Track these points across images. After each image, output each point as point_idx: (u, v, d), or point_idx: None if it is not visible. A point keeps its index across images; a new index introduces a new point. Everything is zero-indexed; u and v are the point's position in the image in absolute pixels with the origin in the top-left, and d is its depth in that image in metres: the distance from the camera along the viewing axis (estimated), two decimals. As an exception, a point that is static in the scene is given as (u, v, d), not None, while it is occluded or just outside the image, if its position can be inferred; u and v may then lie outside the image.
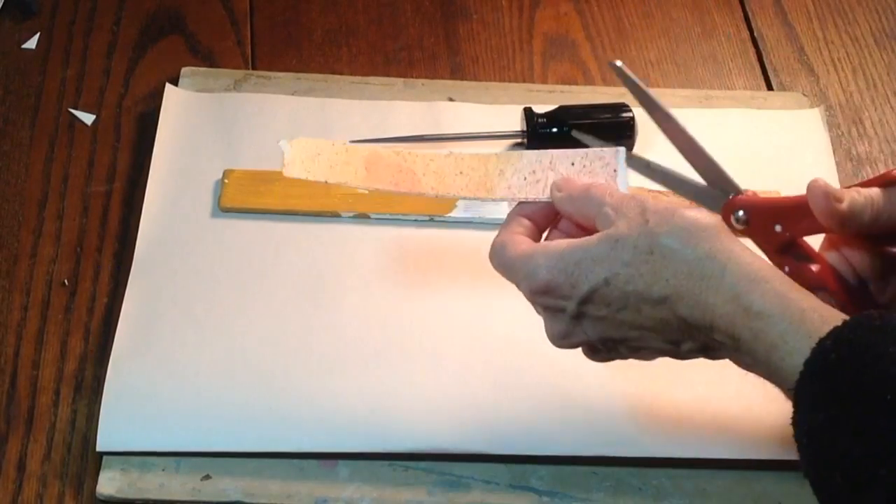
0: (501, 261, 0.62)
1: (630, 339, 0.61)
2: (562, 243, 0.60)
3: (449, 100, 0.90)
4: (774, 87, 0.95)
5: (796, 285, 0.55)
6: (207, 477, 0.71)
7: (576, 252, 0.59)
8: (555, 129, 0.85)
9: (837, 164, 0.88)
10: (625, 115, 0.85)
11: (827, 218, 0.58)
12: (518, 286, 0.62)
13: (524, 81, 0.94)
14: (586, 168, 0.64)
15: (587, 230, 0.61)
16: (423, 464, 0.72)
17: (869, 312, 0.52)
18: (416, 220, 0.82)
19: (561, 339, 0.62)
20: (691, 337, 0.59)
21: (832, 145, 0.89)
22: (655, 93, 0.65)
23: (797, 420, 0.52)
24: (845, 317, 0.53)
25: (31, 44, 0.93)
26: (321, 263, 0.80)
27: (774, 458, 0.72)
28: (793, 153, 0.88)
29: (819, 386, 0.51)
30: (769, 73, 0.95)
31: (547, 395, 0.74)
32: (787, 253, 0.62)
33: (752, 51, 0.97)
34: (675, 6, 1.00)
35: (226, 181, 0.83)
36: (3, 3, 0.95)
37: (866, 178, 0.61)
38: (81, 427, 0.74)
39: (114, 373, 0.73)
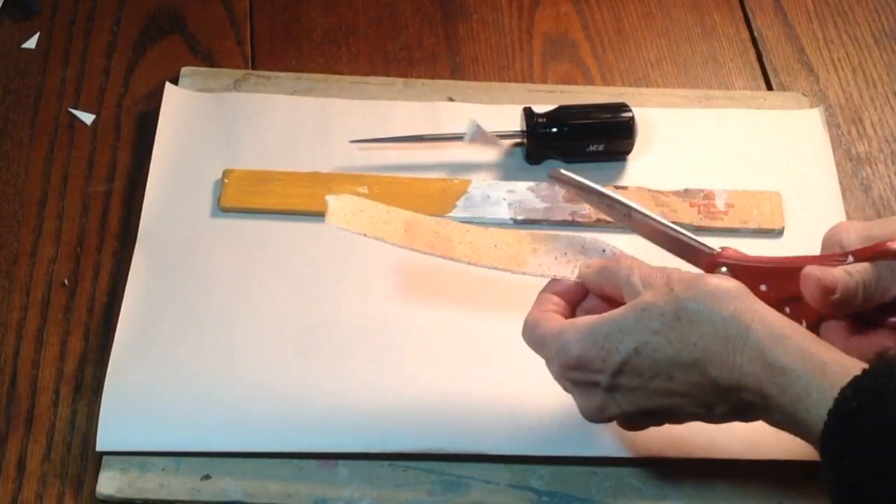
0: (532, 337, 0.65)
1: (664, 407, 0.62)
2: (590, 318, 0.62)
3: (449, 100, 0.90)
4: (774, 87, 0.95)
5: (818, 339, 0.57)
6: (207, 477, 0.71)
7: (605, 325, 0.61)
8: (554, 129, 0.85)
9: (837, 163, 0.88)
10: (624, 115, 0.85)
11: (821, 307, 0.61)
12: (549, 363, 0.64)
13: (524, 81, 0.93)
14: (616, 256, 0.66)
15: (614, 303, 0.63)
16: (423, 464, 0.72)
17: (888, 358, 0.54)
18: (416, 220, 0.82)
19: (596, 414, 0.64)
20: (723, 399, 0.60)
21: (832, 145, 0.89)
22: (604, 188, 0.68)
23: (826, 470, 0.54)
24: (865, 365, 0.54)
25: (31, 44, 0.93)
26: (321, 263, 0.80)
27: (774, 458, 0.72)
28: (793, 153, 0.88)
29: (843, 434, 0.53)
30: (769, 73, 0.95)
31: (547, 395, 0.74)
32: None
33: (752, 51, 0.97)
34: (675, 6, 1.00)
35: (226, 181, 0.83)
36: (3, 3, 0.95)
37: (858, 248, 0.63)
38: (81, 427, 0.74)
39: (114, 373, 0.74)
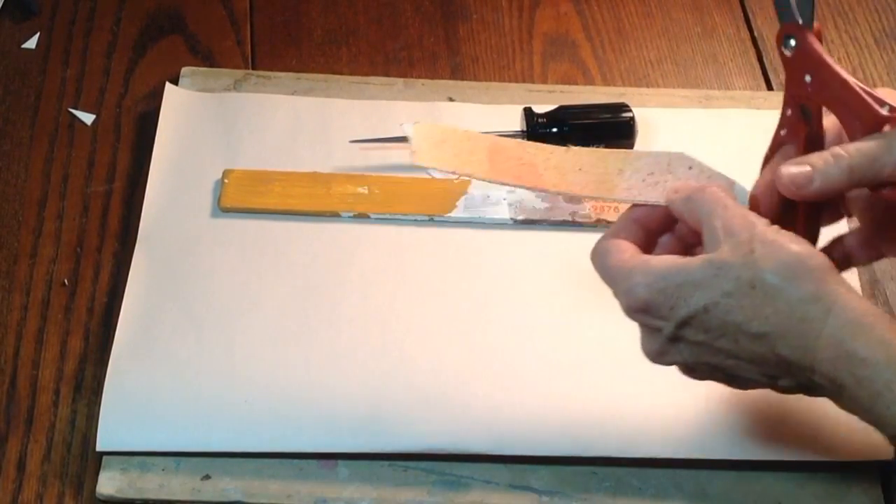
0: (601, 266, 0.62)
1: (726, 368, 0.60)
2: (664, 261, 0.59)
3: (449, 100, 0.90)
4: (774, 87, 0.94)
5: None
6: (207, 477, 0.71)
7: (678, 274, 0.58)
8: (555, 129, 0.85)
9: (837, 164, 0.88)
10: (625, 115, 0.85)
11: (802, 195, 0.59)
12: (616, 297, 0.61)
13: (524, 81, 0.93)
14: (703, 173, 0.63)
15: (698, 236, 0.60)
16: (423, 464, 0.72)
17: None
18: (415, 220, 0.82)
19: (656, 357, 0.61)
20: (790, 374, 0.58)
21: (832, 145, 0.89)
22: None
23: None
24: None
25: (31, 44, 0.93)
26: (321, 263, 0.80)
27: (774, 458, 0.72)
28: (793, 153, 0.88)
29: None
30: (769, 73, 0.95)
31: (547, 395, 0.74)
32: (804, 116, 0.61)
33: (752, 51, 0.97)
34: (675, 6, 1.00)
35: (226, 181, 0.83)
36: (3, 3, 0.95)
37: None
38: (81, 427, 0.74)
39: (114, 373, 0.73)
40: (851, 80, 0.60)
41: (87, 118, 0.89)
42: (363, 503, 0.71)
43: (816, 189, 0.58)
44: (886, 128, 0.58)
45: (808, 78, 0.61)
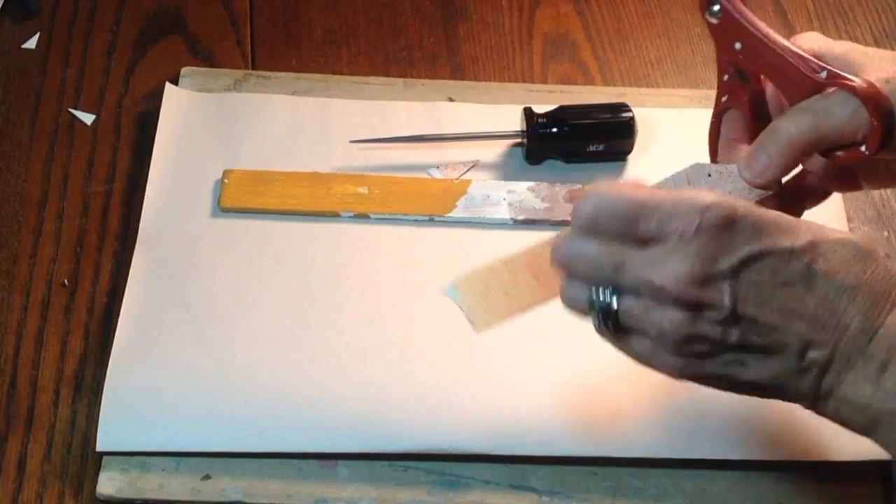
0: (636, 198, 0.55)
1: (768, 326, 0.54)
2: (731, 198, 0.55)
3: (449, 100, 0.90)
4: (774, 87, 0.95)
5: None
6: (207, 477, 0.71)
7: (751, 211, 0.54)
8: (555, 129, 0.85)
9: (837, 164, 0.88)
10: (625, 115, 0.85)
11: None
12: (663, 227, 0.54)
13: (524, 81, 0.94)
14: (723, 175, 0.62)
15: None
16: (423, 464, 0.72)
17: None
18: (415, 220, 0.82)
19: (689, 286, 0.54)
20: (839, 338, 0.54)
21: (832, 145, 0.89)
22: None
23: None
24: None
25: (31, 44, 0.93)
26: (321, 263, 0.80)
27: (774, 458, 0.72)
28: (793, 153, 0.88)
29: None
30: (769, 73, 0.95)
31: (547, 395, 0.74)
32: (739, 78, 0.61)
33: (752, 51, 0.97)
34: (675, 6, 1.00)
35: (226, 181, 0.83)
36: (3, 3, 0.95)
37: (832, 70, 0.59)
38: (81, 427, 0.74)
39: (114, 373, 0.74)
40: (782, 43, 0.59)
41: (87, 118, 0.89)
42: (363, 503, 0.71)
43: (772, 175, 0.59)
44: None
45: (737, 45, 0.59)
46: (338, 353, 0.75)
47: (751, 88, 0.61)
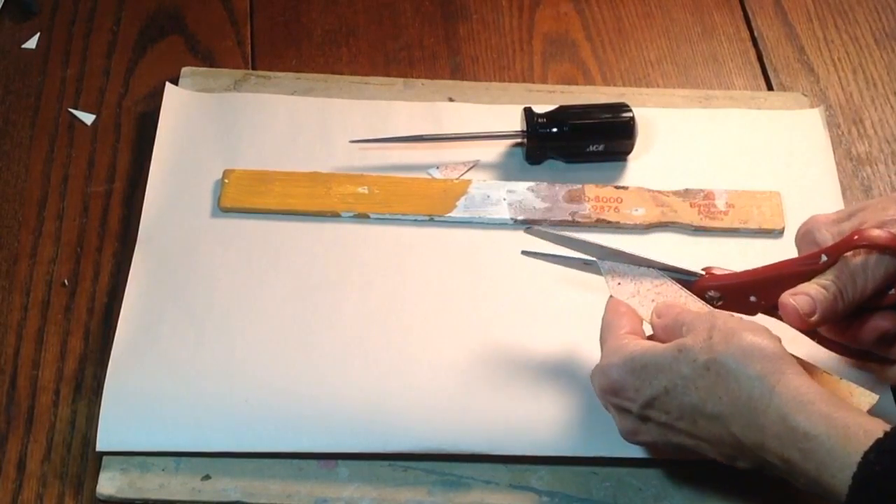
0: (600, 341, 0.68)
1: (690, 447, 0.64)
2: (638, 346, 0.64)
3: (449, 100, 0.90)
4: (774, 87, 0.95)
5: (842, 403, 0.58)
6: (207, 477, 0.71)
7: (645, 356, 0.63)
8: (555, 129, 0.85)
9: (837, 163, 0.88)
10: (625, 115, 0.85)
11: (807, 328, 0.65)
12: (591, 381, 0.68)
13: (524, 81, 0.93)
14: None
15: None
16: (423, 464, 0.72)
17: None
18: (415, 220, 0.82)
19: (630, 436, 0.66)
20: (745, 455, 0.61)
21: (832, 145, 0.89)
22: (584, 237, 0.71)
23: None
24: (887, 427, 0.55)
25: (31, 44, 0.94)
26: (321, 263, 0.80)
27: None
28: (793, 153, 0.88)
29: (867, 498, 0.53)
30: (769, 73, 0.95)
31: (547, 396, 0.74)
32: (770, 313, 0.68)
33: (752, 51, 0.97)
34: (675, 6, 1.00)
35: (226, 181, 0.83)
36: (3, 3, 0.95)
37: (830, 245, 0.66)
38: (81, 427, 0.74)
39: (114, 373, 0.74)
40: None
41: (87, 118, 0.89)
42: (363, 503, 0.71)
43: (819, 319, 0.64)
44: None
45: (752, 298, 0.69)
46: (338, 353, 0.75)
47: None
